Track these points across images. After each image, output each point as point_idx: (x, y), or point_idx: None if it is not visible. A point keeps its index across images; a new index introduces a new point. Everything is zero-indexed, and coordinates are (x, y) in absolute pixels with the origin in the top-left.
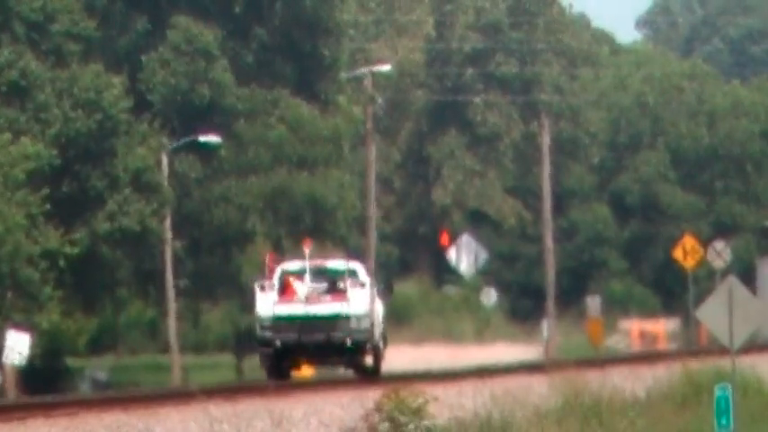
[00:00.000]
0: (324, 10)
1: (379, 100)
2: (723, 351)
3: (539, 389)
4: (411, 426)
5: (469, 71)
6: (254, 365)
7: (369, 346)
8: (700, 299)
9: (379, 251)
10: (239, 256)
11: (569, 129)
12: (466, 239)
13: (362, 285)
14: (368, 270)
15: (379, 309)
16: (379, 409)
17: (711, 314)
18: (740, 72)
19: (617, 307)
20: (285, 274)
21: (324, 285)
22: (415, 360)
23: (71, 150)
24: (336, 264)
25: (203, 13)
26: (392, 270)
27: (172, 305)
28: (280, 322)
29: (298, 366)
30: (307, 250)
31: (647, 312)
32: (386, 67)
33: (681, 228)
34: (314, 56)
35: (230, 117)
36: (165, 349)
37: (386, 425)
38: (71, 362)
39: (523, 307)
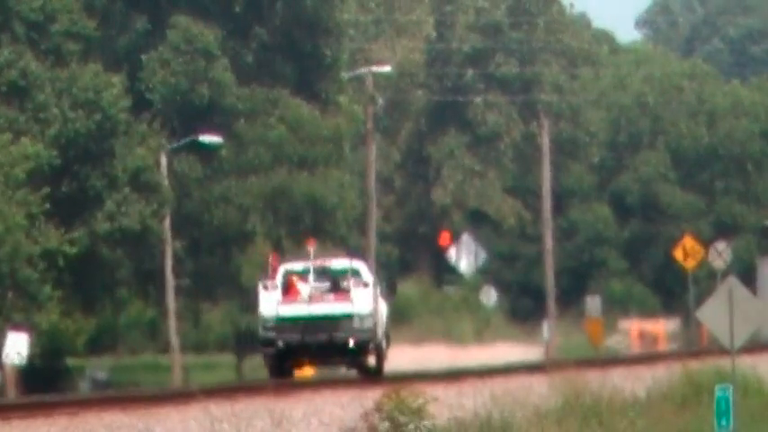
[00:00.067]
0: (324, 10)
1: (380, 100)
2: (723, 351)
3: (539, 389)
4: (411, 426)
5: (469, 71)
6: (254, 365)
7: (372, 345)
8: (700, 299)
9: (379, 251)
10: (239, 256)
11: (569, 129)
12: (466, 239)
13: (366, 285)
14: (371, 269)
15: (383, 308)
16: (378, 409)
17: (712, 314)
18: (740, 72)
19: (617, 307)
20: (288, 274)
21: (327, 285)
22: (415, 360)
23: (70, 150)
24: (340, 263)
25: (203, 13)
26: (392, 270)
27: (172, 305)
28: (283, 322)
29: (301, 366)
30: (311, 249)
31: (647, 312)
32: (386, 68)
33: (681, 228)
34: (314, 56)
35: (230, 117)
36: (165, 349)
37: (386, 425)
38: (71, 362)
39: (523, 307)
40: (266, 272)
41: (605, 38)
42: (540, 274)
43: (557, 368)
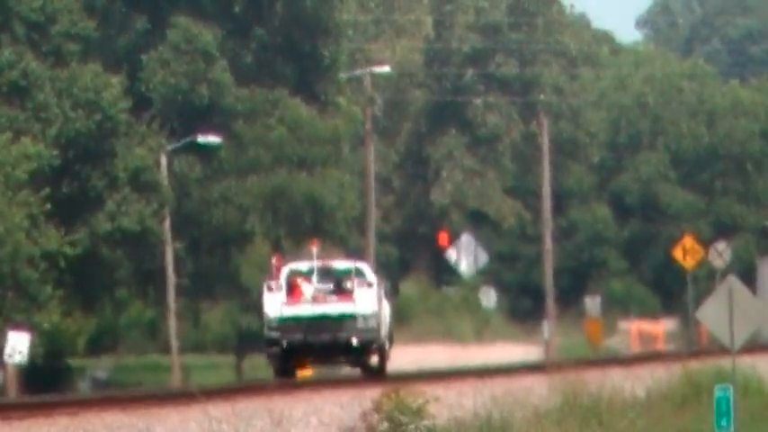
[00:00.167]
0: (323, 10)
1: (379, 100)
2: (723, 351)
3: (539, 389)
4: (411, 426)
5: (469, 71)
6: (254, 365)
7: (375, 345)
8: (699, 299)
9: (379, 251)
10: (239, 256)
11: (569, 129)
12: (466, 240)
13: (369, 285)
14: (374, 270)
15: (386, 309)
16: (378, 408)
17: (711, 314)
18: (740, 72)
19: (616, 307)
20: (292, 275)
21: (331, 285)
22: (415, 360)
23: (71, 150)
24: (343, 264)
25: (203, 13)
26: (392, 270)
27: (172, 305)
28: (287, 323)
29: (304, 366)
30: (315, 250)
31: (647, 312)
32: (385, 68)
33: (681, 228)
34: (313, 56)
35: (230, 117)
36: (165, 349)
37: (385, 425)
38: (72, 362)
39: (523, 307)
40: (270, 272)
41: (605, 38)
42: (540, 274)
43: (556, 368)
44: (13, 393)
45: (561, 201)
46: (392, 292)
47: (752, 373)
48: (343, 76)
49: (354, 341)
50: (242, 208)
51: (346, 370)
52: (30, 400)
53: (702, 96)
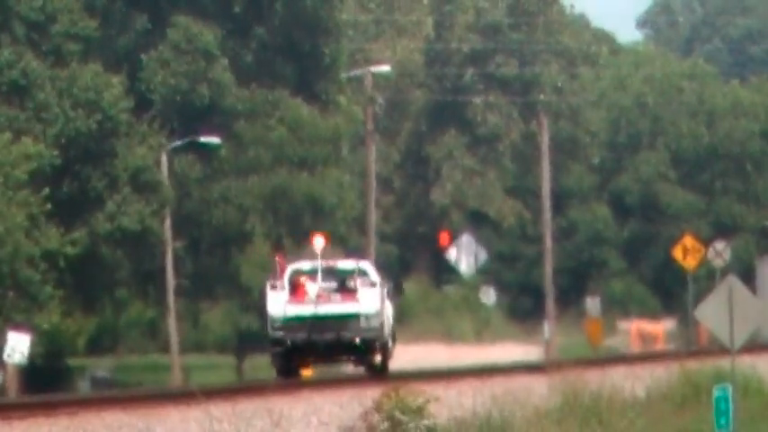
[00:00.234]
0: (324, 10)
1: (379, 100)
2: (722, 351)
3: (539, 389)
4: (411, 425)
5: (469, 71)
6: (254, 365)
7: (378, 344)
8: (699, 299)
9: (379, 251)
10: (239, 256)
11: (569, 129)
12: (466, 239)
13: (373, 285)
14: (378, 270)
15: (389, 308)
16: (378, 408)
17: (711, 314)
18: (740, 72)
19: (616, 307)
20: (296, 274)
21: (334, 285)
22: (415, 359)
23: (71, 150)
24: (347, 263)
25: (203, 13)
26: (392, 270)
27: (172, 305)
28: (291, 322)
29: (308, 366)
30: (319, 248)
31: (647, 312)
32: (385, 68)
33: (681, 228)
34: (314, 56)
35: (230, 117)
36: (165, 349)
37: (385, 424)
38: (72, 362)
39: (523, 307)
40: (273, 271)
41: (605, 38)
42: (540, 274)
43: (556, 368)
44: (13, 393)
45: (561, 201)
46: (397, 292)
47: (751, 372)
48: (343, 75)
49: (358, 340)
50: (242, 208)
51: (350, 369)
52: (30, 400)
53: (702, 96)
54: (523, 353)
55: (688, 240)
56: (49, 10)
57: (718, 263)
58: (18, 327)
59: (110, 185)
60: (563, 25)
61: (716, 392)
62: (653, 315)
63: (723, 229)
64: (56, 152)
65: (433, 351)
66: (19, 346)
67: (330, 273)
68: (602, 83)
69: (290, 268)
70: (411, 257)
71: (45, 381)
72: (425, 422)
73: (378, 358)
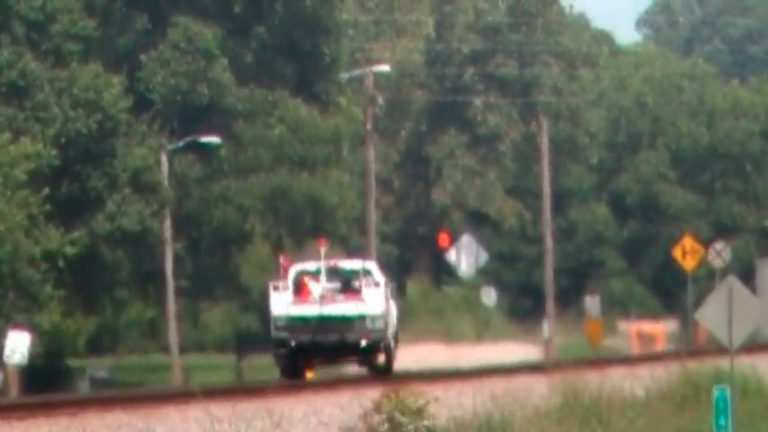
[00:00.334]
0: (324, 10)
1: (380, 100)
2: (722, 351)
3: (539, 389)
4: (411, 426)
5: (469, 72)
6: (254, 365)
7: (382, 345)
8: (699, 299)
9: (379, 251)
10: (239, 256)
11: (569, 129)
12: (466, 240)
13: (377, 285)
14: (382, 270)
15: (393, 308)
16: (378, 409)
17: (711, 314)
18: (740, 72)
19: (616, 307)
20: (300, 275)
21: (338, 285)
22: (415, 360)
23: (71, 150)
24: (351, 263)
25: (203, 13)
26: (393, 270)
27: (172, 305)
28: (294, 322)
29: (312, 366)
30: (322, 250)
31: (647, 313)
32: (386, 68)
33: (680, 228)
34: (314, 56)
35: (230, 117)
36: (166, 349)
37: (385, 425)
38: (71, 362)
39: (523, 307)
40: (277, 272)
41: (605, 39)
42: (540, 274)
43: (556, 368)
44: (13, 393)
45: (561, 201)
46: (398, 292)
47: (751, 372)
48: (343, 75)
49: (363, 341)
50: (242, 208)
51: (354, 369)
52: (30, 400)
53: (702, 96)
54: (523, 353)
55: (687, 241)
56: (49, 10)
57: (717, 263)
58: (18, 327)
59: (109, 186)
60: (563, 26)
61: (715, 392)
62: (653, 315)
63: (723, 230)
64: (55, 152)
65: (433, 351)
66: (19, 346)
67: (334, 273)
68: (601, 83)
69: (293, 269)
70: (411, 258)
71: (45, 381)
72: (425, 423)
73: (382, 359)
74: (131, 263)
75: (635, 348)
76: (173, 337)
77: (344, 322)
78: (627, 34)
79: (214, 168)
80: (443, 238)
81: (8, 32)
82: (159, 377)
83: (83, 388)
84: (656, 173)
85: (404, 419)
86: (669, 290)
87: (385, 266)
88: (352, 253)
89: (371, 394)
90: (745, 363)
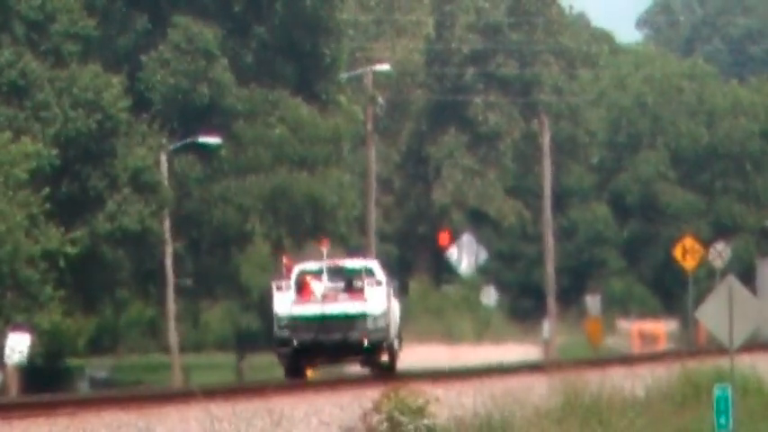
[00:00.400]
0: (324, 10)
1: (380, 100)
2: (722, 351)
3: (539, 389)
4: (411, 426)
5: (469, 71)
6: (254, 365)
7: (385, 344)
8: (699, 299)
9: (379, 251)
10: (239, 256)
11: (569, 128)
12: (466, 239)
13: (379, 284)
14: (384, 269)
15: (395, 307)
16: (378, 409)
17: (711, 314)
18: (740, 72)
19: (617, 306)
20: (302, 274)
21: (341, 285)
22: (415, 359)
23: (71, 150)
24: (354, 263)
25: (203, 13)
26: (393, 270)
27: (172, 305)
28: (297, 322)
29: (315, 366)
30: (324, 250)
31: (647, 312)
32: (386, 67)
33: (680, 227)
34: (314, 56)
35: (230, 117)
36: (166, 349)
37: (385, 425)
38: (71, 362)
39: (523, 306)
40: (279, 271)
41: (605, 38)
42: (540, 273)
43: (556, 368)
44: (13, 393)
45: (561, 200)
46: (400, 291)
47: (751, 372)
48: (343, 75)
49: (365, 341)
50: (242, 208)
51: (354, 369)
52: (30, 400)
53: (702, 96)
54: (523, 352)
55: (687, 241)
56: (49, 10)
57: (718, 263)
58: (18, 327)
59: (110, 185)
60: (563, 25)
61: (716, 392)
62: (653, 315)
63: (723, 230)
64: (55, 152)
65: (433, 351)
66: (19, 345)
67: (337, 272)
68: (601, 83)
69: (296, 268)
70: (411, 257)
71: (45, 381)
72: (425, 422)
73: (385, 358)
74: (131, 262)
75: (636, 348)
76: (173, 337)
77: (347, 321)
78: (627, 34)
79: (214, 168)
80: (444, 238)
81: (8, 32)
82: (159, 377)
83: (83, 388)
84: (656, 172)
85: (404, 419)
86: (669, 289)
87: (386, 266)
88: (352, 253)
89: (372, 394)
90: (746, 362)
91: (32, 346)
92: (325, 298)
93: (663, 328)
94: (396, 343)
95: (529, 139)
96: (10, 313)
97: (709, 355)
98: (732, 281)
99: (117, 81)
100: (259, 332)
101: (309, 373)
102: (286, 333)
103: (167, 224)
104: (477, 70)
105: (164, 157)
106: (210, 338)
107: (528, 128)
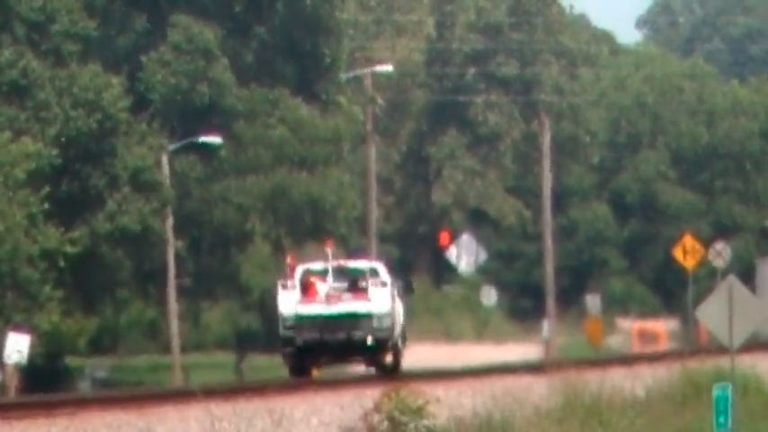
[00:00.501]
0: (324, 9)
1: (380, 100)
2: (723, 350)
3: (539, 389)
4: (411, 425)
5: (470, 71)
6: (254, 365)
7: (389, 344)
8: (699, 298)
9: (379, 251)
10: (239, 256)
11: (569, 128)
12: (466, 239)
13: (384, 284)
14: (389, 269)
15: (400, 307)
16: (378, 408)
17: (711, 313)
18: (740, 72)
19: (617, 306)
20: (307, 274)
21: (345, 285)
22: (415, 360)
23: (71, 150)
24: (358, 263)
25: (203, 13)
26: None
27: (172, 305)
28: (302, 321)
29: (320, 365)
30: (329, 250)
31: (647, 312)
32: (386, 67)
33: (681, 227)
34: (314, 55)
35: (230, 117)
36: (166, 349)
37: (386, 425)
38: (71, 361)
39: (523, 306)
40: (284, 271)
41: (605, 38)
42: (540, 273)
43: (556, 368)
44: (12, 393)
45: (561, 200)
46: (408, 290)
47: (751, 372)
48: (343, 75)
49: (369, 340)
50: (242, 208)
51: (356, 369)
52: (30, 400)
53: (702, 96)
54: (523, 352)
55: (688, 240)
56: (49, 10)
57: (718, 263)
58: (18, 327)
59: (110, 185)
60: (563, 25)
61: (716, 391)
62: (653, 315)
63: (723, 229)
64: (56, 151)
65: (433, 351)
66: (19, 346)
67: (341, 273)
68: (602, 83)
69: (300, 268)
70: (411, 257)
71: (45, 381)
72: (425, 422)
73: (389, 358)
74: (132, 262)
75: (636, 347)
76: (173, 337)
77: (351, 320)
78: (627, 34)
79: (214, 168)
80: (444, 237)
81: (9, 32)
82: (159, 377)
83: (84, 388)
84: (656, 172)
85: (404, 419)
86: (669, 289)
87: (390, 267)
88: (352, 253)
89: (372, 394)
90: (746, 362)
91: (32, 346)
92: (329, 298)
93: (663, 327)
94: (400, 342)
95: (529, 139)
96: (10, 313)
97: (709, 354)
98: (733, 280)
99: (117, 81)
100: (259, 332)
101: (315, 372)
102: (291, 333)
103: (169, 223)
104: (478, 70)
105: (164, 157)
106: (211, 338)
107: (528, 128)
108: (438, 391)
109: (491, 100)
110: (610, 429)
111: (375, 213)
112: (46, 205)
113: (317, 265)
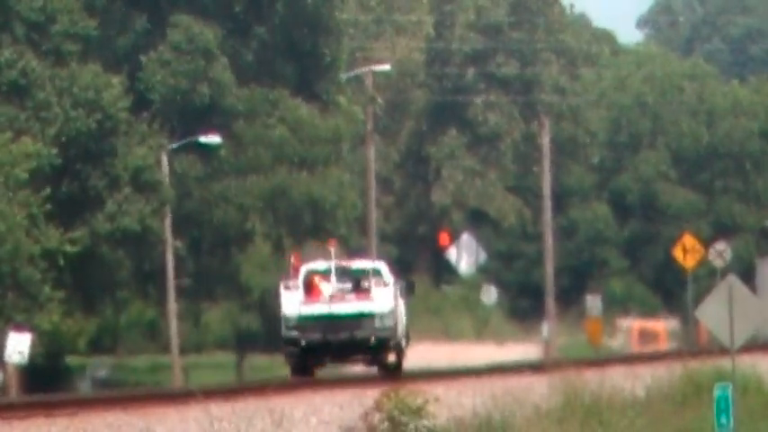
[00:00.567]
0: (324, 9)
1: (379, 100)
2: (723, 350)
3: (539, 388)
4: (411, 425)
5: (470, 71)
6: (254, 365)
7: (392, 343)
8: (699, 298)
9: (379, 251)
10: (239, 256)
11: (569, 128)
12: (466, 239)
13: (386, 284)
14: (392, 270)
15: (402, 307)
16: (378, 408)
17: (711, 313)
18: (740, 72)
19: (617, 306)
20: (310, 274)
21: (348, 285)
22: (415, 359)
23: (71, 150)
24: (361, 263)
25: (203, 13)
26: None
27: (172, 305)
28: (305, 321)
29: (323, 365)
30: (332, 250)
31: (648, 311)
32: (386, 67)
33: (681, 227)
34: (314, 55)
35: (230, 117)
36: (166, 349)
37: (386, 424)
38: (71, 361)
39: (523, 306)
40: (282, 271)
41: (606, 38)
42: (540, 273)
43: (556, 368)
44: (13, 393)
45: (561, 200)
46: (409, 291)
47: (751, 372)
48: (343, 75)
49: (372, 340)
50: (242, 208)
51: (357, 369)
52: (30, 400)
53: (702, 96)
54: (523, 352)
55: (688, 240)
56: (49, 10)
57: (718, 263)
58: (18, 327)
59: (110, 185)
60: (564, 25)
61: (717, 391)
62: (653, 315)
63: (723, 229)
64: (56, 151)
65: (433, 351)
66: (19, 345)
67: (344, 273)
68: (602, 83)
69: (304, 268)
70: (411, 257)
71: (45, 381)
72: (425, 422)
73: (392, 358)
74: (132, 262)
75: (635, 347)
76: (173, 337)
77: (354, 320)
78: (628, 34)
79: (214, 168)
80: (444, 237)
81: (9, 32)
82: (159, 377)
83: (84, 388)
84: (656, 172)
85: (404, 418)
86: (669, 289)
87: (392, 267)
88: (352, 253)
89: (372, 393)
90: (746, 362)
91: (33, 346)
92: (332, 298)
93: (663, 327)
94: (403, 342)
95: (529, 139)
96: (10, 313)
97: (709, 354)
98: (733, 280)
99: (117, 81)
100: (259, 332)
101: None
102: (294, 333)
103: (168, 223)
104: (478, 70)
105: (164, 157)
106: (210, 338)
107: (528, 128)
108: (438, 390)
109: (491, 100)
110: (610, 429)
111: (375, 213)
112: (47, 205)
113: (320, 266)
